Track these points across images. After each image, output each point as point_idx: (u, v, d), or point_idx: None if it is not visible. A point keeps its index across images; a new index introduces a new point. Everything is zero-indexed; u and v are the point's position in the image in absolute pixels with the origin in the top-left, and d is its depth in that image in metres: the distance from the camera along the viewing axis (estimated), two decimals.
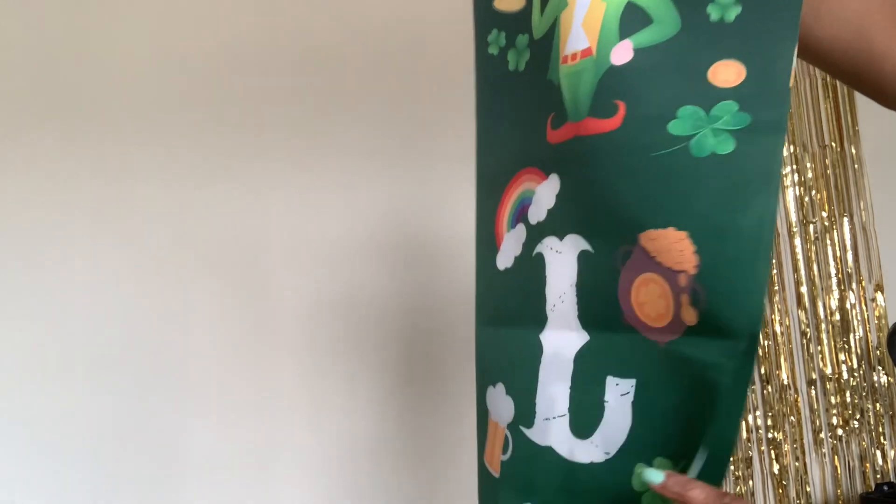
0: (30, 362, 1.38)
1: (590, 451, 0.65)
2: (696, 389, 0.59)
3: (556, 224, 0.71)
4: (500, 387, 0.75)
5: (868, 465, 1.82)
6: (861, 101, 1.90)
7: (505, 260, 0.77)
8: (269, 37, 1.55)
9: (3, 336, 1.38)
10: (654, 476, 0.59)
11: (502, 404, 0.75)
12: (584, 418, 0.66)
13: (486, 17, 0.83)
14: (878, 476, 1.82)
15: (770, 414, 1.73)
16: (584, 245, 0.68)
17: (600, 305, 0.66)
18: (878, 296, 1.88)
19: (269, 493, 1.45)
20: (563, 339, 0.70)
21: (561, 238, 0.70)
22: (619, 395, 0.64)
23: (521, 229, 0.75)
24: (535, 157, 0.74)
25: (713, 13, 0.64)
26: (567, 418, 0.68)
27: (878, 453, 1.81)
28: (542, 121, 0.73)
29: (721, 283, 0.58)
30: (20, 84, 1.45)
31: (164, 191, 1.46)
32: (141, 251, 1.44)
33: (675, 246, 0.60)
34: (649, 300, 0.62)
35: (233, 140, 1.50)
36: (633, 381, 0.64)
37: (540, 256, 0.72)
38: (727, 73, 0.62)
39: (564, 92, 0.69)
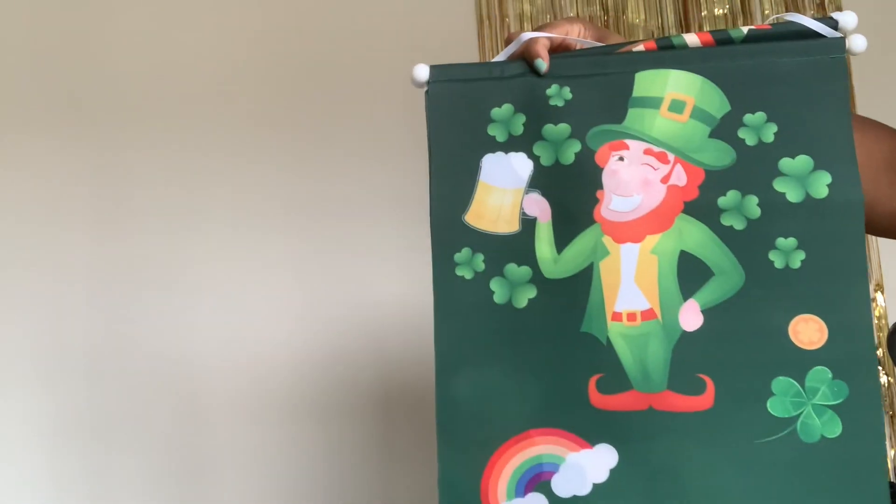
0: (29, 361, 1.37)
1: None
2: None
3: (611, 502, 0.64)
4: None
5: None
6: None
7: None
8: (269, 40, 1.53)
9: (3, 335, 1.36)
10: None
11: None
12: None
13: (449, 228, 0.69)
14: None
15: None
16: None
17: None
18: (878, 296, 1.88)
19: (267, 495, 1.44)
20: None
21: None
22: None
23: (538, 502, 0.66)
24: (565, 420, 0.66)
25: (777, 261, 0.61)
26: None
27: None
28: (578, 378, 0.66)
29: None
30: (20, 84, 1.44)
31: (164, 191, 1.44)
32: (141, 251, 1.43)
33: None
34: None
35: (233, 141, 1.49)
36: None
37: None
38: (809, 331, 0.61)
39: (622, 355, 0.64)
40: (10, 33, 1.42)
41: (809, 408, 0.60)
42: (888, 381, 1.85)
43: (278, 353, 1.44)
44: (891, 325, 1.84)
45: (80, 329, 1.40)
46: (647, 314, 0.64)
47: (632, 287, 0.65)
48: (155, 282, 1.43)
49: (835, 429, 0.60)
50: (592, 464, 0.65)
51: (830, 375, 0.59)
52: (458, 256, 0.69)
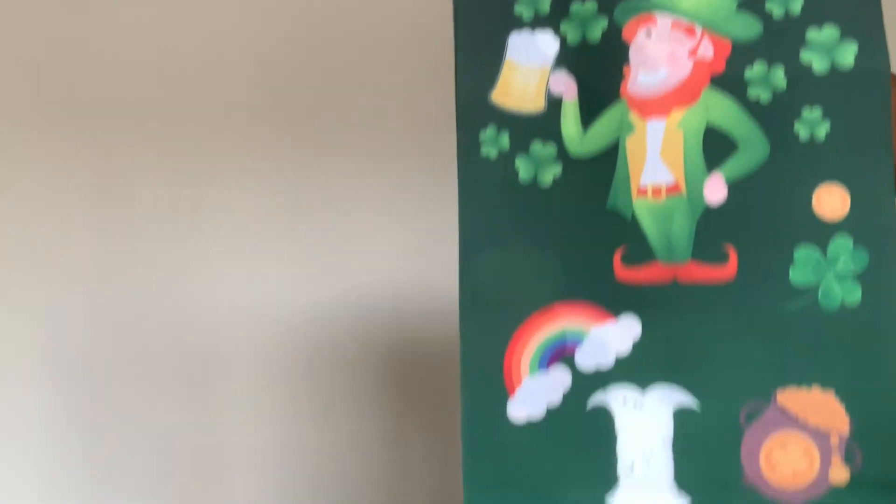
0: (28, 360, 1.37)
1: None
2: None
3: (633, 373, 0.65)
4: None
5: None
6: None
7: (527, 410, 0.68)
8: (270, 39, 1.52)
9: (3, 334, 1.37)
10: None
11: None
12: None
13: (475, 107, 0.70)
14: None
15: None
16: (683, 400, 0.64)
17: (713, 466, 0.64)
18: None
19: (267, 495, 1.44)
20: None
21: (643, 390, 0.65)
22: None
23: (560, 374, 0.67)
24: (589, 292, 0.66)
25: (802, 131, 0.62)
26: None
27: None
28: (602, 253, 0.66)
29: (876, 441, 0.59)
30: (20, 84, 1.43)
31: (163, 190, 1.44)
32: (140, 250, 1.42)
33: (823, 406, 0.61)
34: (786, 460, 0.62)
35: (232, 140, 1.48)
36: None
37: (602, 411, 0.66)
38: (832, 201, 0.61)
39: (646, 229, 0.65)
40: (9, 33, 1.41)
41: (831, 276, 0.61)
42: None
43: (286, 349, 1.43)
44: None
45: (80, 327, 1.40)
46: (672, 189, 0.64)
47: (657, 162, 0.65)
48: (155, 280, 1.43)
49: (854, 296, 0.60)
50: (616, 336, 0.66)
51: (852, 244, 0.60)
52: (483, 135, 0.69)
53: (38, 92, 1.44)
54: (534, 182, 0.68)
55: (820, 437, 0.61)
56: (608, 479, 0.66)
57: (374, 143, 1.48)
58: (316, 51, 1.52)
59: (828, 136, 0.62)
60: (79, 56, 1.44)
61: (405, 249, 1.44)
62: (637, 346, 0.65)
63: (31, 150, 1.42)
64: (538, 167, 0.68)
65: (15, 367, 1.38)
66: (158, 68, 1.46)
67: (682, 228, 0.64)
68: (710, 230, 0.63)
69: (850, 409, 0.60)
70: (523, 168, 0.69)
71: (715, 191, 0.64)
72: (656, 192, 0.65)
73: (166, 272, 1.44)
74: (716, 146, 0.64)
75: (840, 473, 0.61)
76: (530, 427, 0.68)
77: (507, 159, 0.69)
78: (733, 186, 0.63)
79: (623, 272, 0.66)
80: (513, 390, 0.68)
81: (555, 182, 0.68)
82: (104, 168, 1.44)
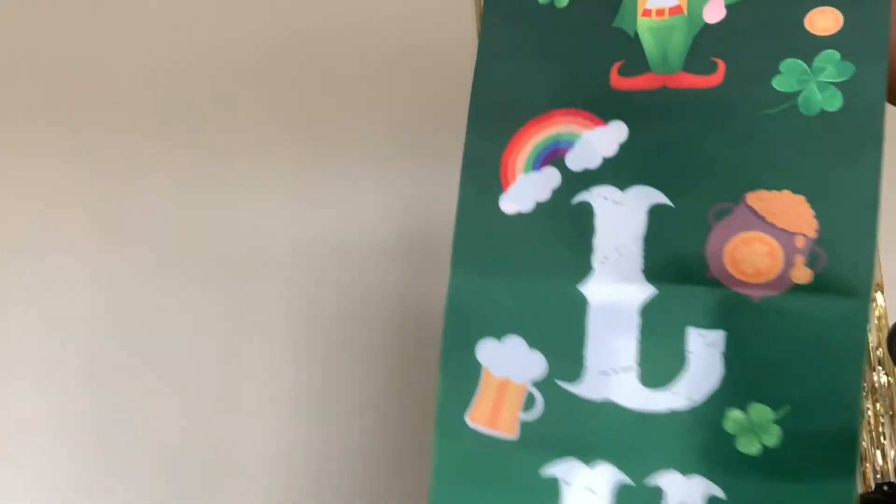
0: (27, 359, 1.37)
1: (669, 400, 0.66)
2: (804, 344, 0.62)
3: (617, 174, 0.71)
4: (516, 340, 0.73)
5: (868, 465, 1.81)
6: None
7: (517, 204, 0.75)
8: (272, 35, 1.55)
9: (2, 333, 1.37)
10: None
11: (522, 359, 0.73)
12: (661, 369, 0.67)
13: None
14: (879, 476, 1.81)
15: None
16: (658, 198, 0.69)
17: (678, 259, 0.67)
18: (878, 296, 1.88)
19: (269, 494, 1.43)
20: (619, 292, 0.69)
21: (623, 189, 0.70)
22: (704, 345, 0.65)
23: (551, 173, 0.74)
24: (584, 100, 0.73)
25: None
26: (636, 370, 0.68)
27: (878, 453, 1.80)
28: (602, 65, 0.73)
29: (842, 246, 0.61)
30: (20, 83, 1.45)
31: (163, 189, 1.45)
32: (140, 249, 1.43)
33: (792, 209, 0.63)
34: (748, 257, 0.64)
35: (233, 138, 1.50)
36: (721, 333, 0.65)
37: (585, 205, 0.72)
38: (824, 20, 0.63)
39: (647, 45, 0.70)
40: (10, 33, 1.44)
41: (813, 84, 0.63)
42: (888, 381, 1.84)
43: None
44: (891, 325, 1.84)
45: (79, 326, 1.40)
46: (675, 10, 0.70)
47: None
48: (154, 280, 1.43)
49: (835, 103, 0.62)
50: (604, 139, 0.71)
51: (839, 57, 0.63)
52: None
53: (39, 92, 1.45)
54: (551, 4, 0.76)
55: (785, 238, 0.63)
56: (583, 268, 0.71)
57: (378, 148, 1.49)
58: (316, 50, 1.56)
59: None
60: (79, 55, 1.46)
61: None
62: (622, 149, 0.71)
63: (31, 149, 1.43)
64: None
65: (15, 367, 1.37)
66: (159, 67, 1.48)
67: (679, 43, 0.69)
68: (704, 45, 0.69)
69: (819, 214, 0.62)
70: None
71: (713, 11, 0.68)
72: (660, 12, 0.70)
73: (167, 271, 1.44)
74: None
75: (802, 274, 0.62)
76: (519, 218, 0.74)
77: None
78: (731, 8, 0.68)
79: (617, 82, 0.72)
80: (506, 186, 0.75)
81: (571, 4, 0.75)
82: (104, 167, 1.44)
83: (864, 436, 1.80)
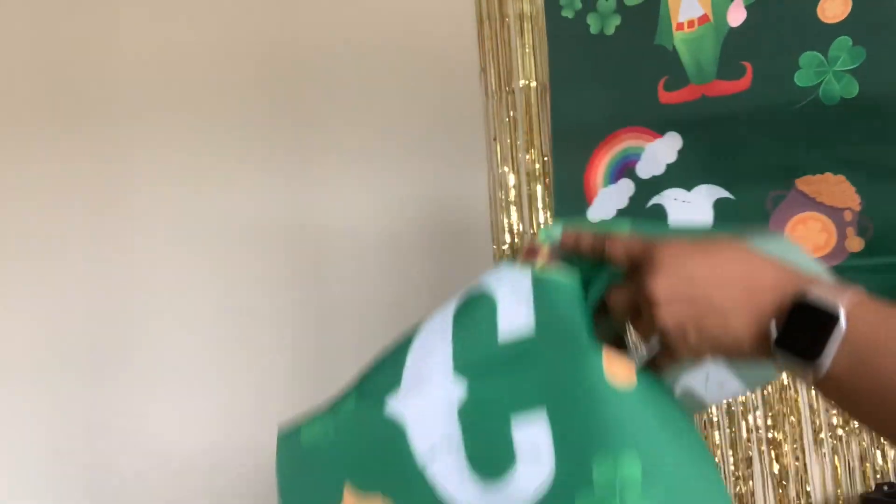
0: (26, 357, 1.38)
1: None
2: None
3: (681, 177, 0.82)
4: None
5: (868, 464, 1.83)
6: None
7: (603, 213, 0.85)
8: (272, 35, 1.55)
9: (2, 333, 1.37)
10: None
11: None
12: None
13: None
14: (879, 476, 1.82)
15: (770, 414, 1.73)
16: (720, 193, 0.79)
17: None
18: None
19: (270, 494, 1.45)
20: None
21: (689, 189, 0.81)
22: None
23: (626, 184, 0.85)
24: (641, 118, 0.85)
25: None
26: None
27: (879, 453, 1.81)
28: (650, 84, 0.86)
29: (885, 213, 0.72)
30: (20, 82, 1.46)
31: (163, 188, 1.46)
32: (139, 248, 1.44)
33: (836, 188, 0.72)
34: (808, 235, 0.74)
35: (233, 138, 1.50)
36: None
37: (658, 207, 0.83)
38: (834, 6, 0.72)
39: (683, 57, 0.82)
40: (9, 33, 1.44)
41: (830, 75, 0.72)
42: None
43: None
44: None
45: (79, 325, 1.41)
46: (703, 19, 0.79)
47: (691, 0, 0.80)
48: (154, 279, 1.44)
49: (852, 90, 0.72)
50: (664, 149, 0.82)
51: (851, 42, 0.72)
52: (562, 0, 0.90)
53: (39, 91, 1.46)
54: (601, 33, 0.87)
55: (835, 214, 0.73)
56: None
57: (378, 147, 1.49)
58: (316, 50, 1.55)
59: None
60: (78, 56, 1.46)
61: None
62: (681, 155, 0.82)
63: (30, 149, 1.43)
64: (603, 20, 0.86)
65: (15, 368, 1.38)
66: (159, 65, 1.48)
67: (709, 51, 0.79)
68: (732, 50, 0.79)
69: (859, 188, 0.73)
70: (593, 23, 0.88)
71: (735, 15, 0.77)
72: (690, 24, 0.80)
73: (167, 271, 1.44)
74: None
75: (855, 243, 0.72)
76: (604, 225, 0.83)
77: (580, 17, 0.88)
78: (750, 8, 0.77)
79: (665, 97, 0.84)
80: (591, 200, 0.86)
81: (616, 31, 0.87)
82: (104, 166, 1.45)
83: (865, 436, 1.80)
